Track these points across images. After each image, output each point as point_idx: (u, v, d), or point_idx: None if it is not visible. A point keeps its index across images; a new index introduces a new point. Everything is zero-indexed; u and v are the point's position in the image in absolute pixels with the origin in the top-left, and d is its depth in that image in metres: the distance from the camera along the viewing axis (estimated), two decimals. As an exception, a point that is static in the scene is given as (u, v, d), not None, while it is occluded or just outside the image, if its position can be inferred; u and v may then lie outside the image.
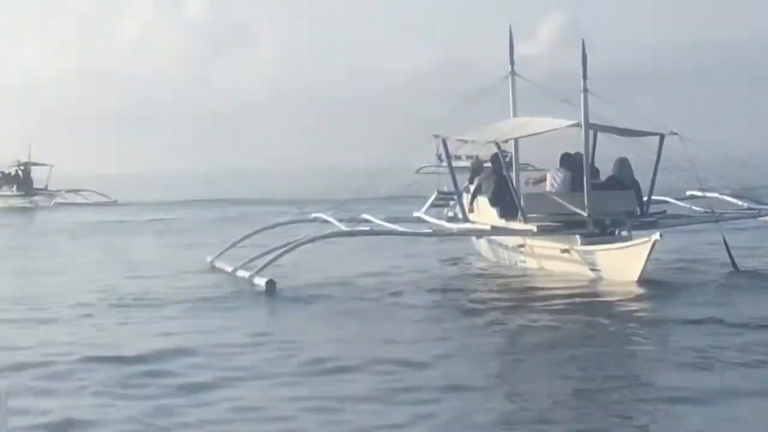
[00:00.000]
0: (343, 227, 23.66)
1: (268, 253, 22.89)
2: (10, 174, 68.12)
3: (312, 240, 22.73)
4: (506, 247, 24.55)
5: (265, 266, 21.78)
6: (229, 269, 23.57)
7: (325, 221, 25.17)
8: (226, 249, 25.86)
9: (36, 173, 68.48)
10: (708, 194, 24.99)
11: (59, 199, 67.91)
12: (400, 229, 23.51)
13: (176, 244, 34.09)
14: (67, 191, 69.44)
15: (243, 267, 22.92)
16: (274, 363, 13.88)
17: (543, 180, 23.90)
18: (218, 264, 24.92)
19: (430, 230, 24.29)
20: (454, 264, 25.99)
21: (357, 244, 25.57)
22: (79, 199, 69.03)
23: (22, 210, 63.30)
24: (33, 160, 67.98)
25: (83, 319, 18.09)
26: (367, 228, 23.64)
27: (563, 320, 17.27)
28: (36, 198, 67.28)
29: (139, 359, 14.20)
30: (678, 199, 26.10)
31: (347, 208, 26.08)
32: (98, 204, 66.46)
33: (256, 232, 26.73)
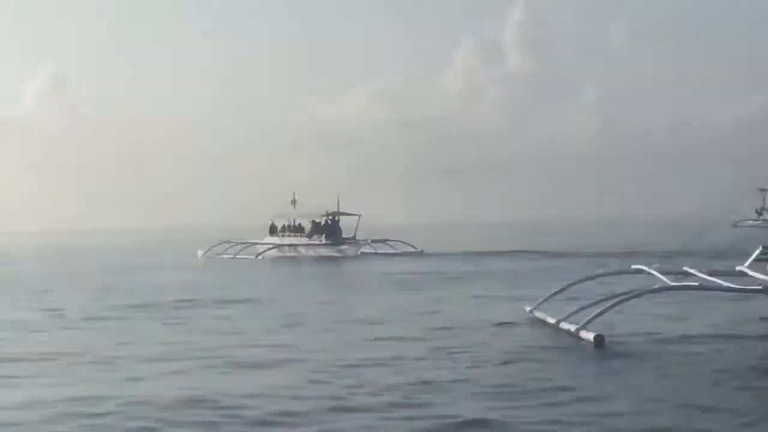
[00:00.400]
0: (667, 281, 23.28)
1: (593, 305, 22.63)
2: (319, 224, 70.11)
3: (639, 294, 22.34)
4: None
5: (592, 319, 21.50)
6: (552, 321, 23.49)
7: (646, 273, 24.91)
8: (546, 299, 25.85)
9: (345, 223, 70.16)
10: None
11: (365, 249, 69.86)
12: (728, 284, 22.83)
13: (487, 295, 34.25)
14: (374, 241, 70.94)
15: (566, 319, 22.78)
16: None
17: None
18: (538, 314, 24.91)
19: (760, 286, 23.55)
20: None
21: (674, 298, 25.10)
22: (386, 249, 70.74)
23: (330, 259, 65.01)
24: (342, 209, 69.53)
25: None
26: (696, 283, 23.06)
27: None
28: (343, 247, 68.76)
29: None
30: None
31: (667, 261, 25.67)
32: (404, 254, 68.08)
33: (576, 283, 26.55)
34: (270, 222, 72.80)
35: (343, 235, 69.74)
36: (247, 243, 72.32)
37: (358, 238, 69.97)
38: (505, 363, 18.61)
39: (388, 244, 71.71)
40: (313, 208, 70.59)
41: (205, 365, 18.83)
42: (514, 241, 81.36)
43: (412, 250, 70.21)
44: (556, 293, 26.18)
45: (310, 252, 69.08)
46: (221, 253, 70.75)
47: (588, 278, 26.87)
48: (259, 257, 67.86)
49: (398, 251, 69.83)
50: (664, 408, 14.38)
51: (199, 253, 73.19)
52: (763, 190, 22.12)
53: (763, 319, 25.09)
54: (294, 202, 70.72)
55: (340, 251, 68.32)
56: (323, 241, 69.40)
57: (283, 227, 71.74)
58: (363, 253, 68.37)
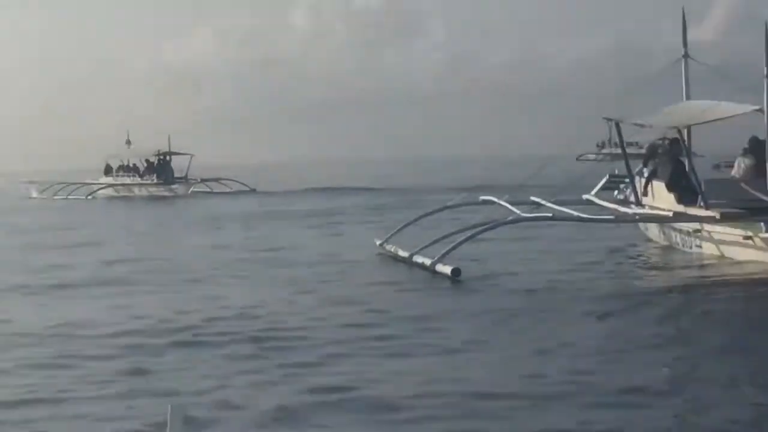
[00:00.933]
0: (518, 211, 23.26)
1: (446, 238, 22.40)
2: (152, 164, 69.61)
3: (494, 226, 22.24)
4: (680, 231, 23.95)
5: (447, 252, 21.16)
6: (405, 254, 23.09)
7: (496, 205, 24.96)
8: (396, 232, 25.48)
9: (178, 163, 69.71)
10: None
11: (200, 188, 69.25)
12: (583, 215, 22.91)
13: (336, 231, 33.94)
14: (206, 180, 70.31)
15: (420, 252, 22.35)
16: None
17: (730, 166, 23.25)
18: (389, 248, 24.58)
19: (612, 216, 23.77)
20: (625, 249, 25.38)
21: (526, 229, 25.15)
22: (221, 188, 70.13)
23: (161, 199, 64.70)
24: (180, 150, 69.26)
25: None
26: (550, 214, 23.11)
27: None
28: (174, 186, 68.49)
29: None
30: None
31: (515, 194, 25.71)
32: (236, 192, 67.77)
33: (426, 215, 26.45)
34: (105, 163, 72.18)
35: (176, 175, 69.23)
36: (81, 183, 71.72)
37: (190, 177, 69.43)
38: (359, 299, 17.97)
39: (222, 183, 71.14)
40: (148, 148, 70.15)
41: None
42: (360, 179, 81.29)
43: (245, 188, 69.77)
44: (406, 226, 25.86)
45: (143, 191, 68.66)
46: (55, 194, 69.86)
47: (438, 210, 26.81)
48: (89, 197, 67.37)
49: (233, 190, 69.45)
50: (526, 338, 14.25)
51: (33, 194, 71.96)
52: (608, 119, 22.37)
53: (613, 246, 25.39)
54: (128, 142, 70.49)
55: (171, 190, 68.14)
56: (155, 181, 69.00)
57: (118, 167, 71.21)
58: (194, 192, 67.88)
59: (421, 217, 26.44)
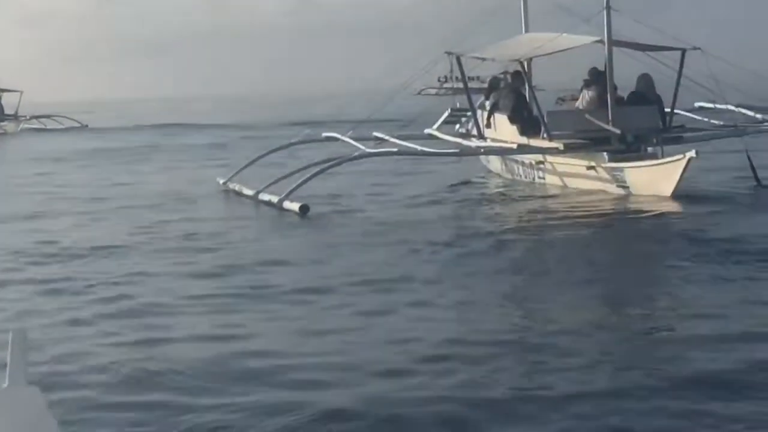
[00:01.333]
0: (362, 147, 23.13)
1: (291, 175, 22.22)
2: None
3: (339, 162, 22.03)
4: (523, 164, 24.14)
5: (294, 189, 20.88)
6: (250, 192, 22.78)
7: (339, 141, 24.81)
8: (239, 171, 25.12)
9: (8, 100, 67.48)
10: (719, 106, 24.73)
11: (26, 125, 67.28)
12: (427, 149, 22.89)
13: (171, 167, 33.29)
14: (37, 117, 68.63)
15: (265, 190, 22.08)
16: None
17: (576, 98, 23.42)
18: (233, 186, 24.24)
19: (457, 149, 23.76)
20: (469, 182, 25.48)
21: (370, 164, 25.05)
22: (53, 125, 68.44)
23: None
24: (2, 86, 66.91)
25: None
26: (395, 149, 23.04)
27: (599, 237, 17.10)
28: (2, 123, 66.62)
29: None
30: (687, 111, 25.53)
31: (357, 130, 25.55)
32: (68, 129, 66.50)
33: (269, 153, 26.13)
34: None
35: (6, 112, 67.29)
36: None
37: (20, 114, 67.58)
38: (204, 239, 17.53)
39: (54, 120, 69.61)
40: None
41: None
42: (199, 115, 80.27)
43: (77, 125, 68.48)
44: (249, 164, 25.50)
45: None
46: None
47: (281, 148, 26.53)
48: None
49: (64, 126, 68.02)
50: (370, 269, 14.24)
51: None
52: (449, 53, 22.25)
53: (456, 179, 25.49)
54: None
55: (0, 128, 66.15)
56: None
57: None
58: (24, 129, 66.17)
59: (264, 155, 26.06)
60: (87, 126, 68.14)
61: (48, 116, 69.67)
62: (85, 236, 18.03)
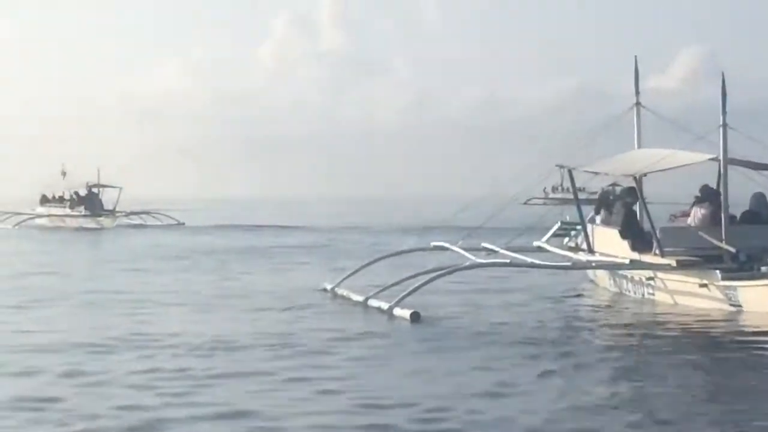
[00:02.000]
0: (472, 257, 23.40)
1: (401, 283, 22.60)
2: (81, 195, 70.08)
3: (451, 271, 22.42)
4: (632, 279, 24.16)
5: (405, 296, 21.21)
6: (359, 298, 23.07)
7: (448, 250, 25.11)
8: (347, 276, 25.48)
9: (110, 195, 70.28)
10: None
11: (130, 220, 69.83)
12: (538, 262, 23.06)
13: (280, 269, 33.70)
14: (135, 213, 71.11)
15: (375, 297, 22.43)
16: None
17: (686, 215, 23.51)
18: (341, 292, 24.56)
19: (569, 263, 23.94)
20: (578, 295, 25.52)
21: (479, 275, 25.30)
22: (152, 221, 70.56)
23: (87, 230, 65.09)
24: (104, 182, 69.73)
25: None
26: (506, 260, 23.25)
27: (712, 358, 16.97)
28: (100, 219, 68.69)
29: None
30: None
31: (466, 238, 25.88)
32: (163, 226, 68.25)
33: (378, 260, 26.54)
34: (40, 193, 72.67)
35: (107, 207, 69.53)
36: (13, 213, 72.26)
37: (119, 210, 69.65)
38: (318, 349, 17.47)
39: (153, 216, 71.59)
40: (81, 180, 70.45)
41: None
42: (304, 217, 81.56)
43: (174, 222, 70.16)
44: (358, 270, 25.92)
45: (72, 223, 68.80)
46: None
47: (390, 255, 26.92)
48: (16, 227, 67.99)
49: (163, 223, 69.81)
50: (483, 381, 14.37)
51: None
52: (560, 167, 22.60)
53: (562, 293, 25.54)
54: (63, 173, 71.01)
55: (97, 222, 68.40)
56: (83, 212, 69.31)
57: (52, 198, 71.82)
58: (119, 225, 67.98)
59: (372, 262, 26.58)
60: (183, 224, 69.76)
61: (146, 212, 71.90)
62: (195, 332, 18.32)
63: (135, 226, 67.91)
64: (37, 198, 72.78)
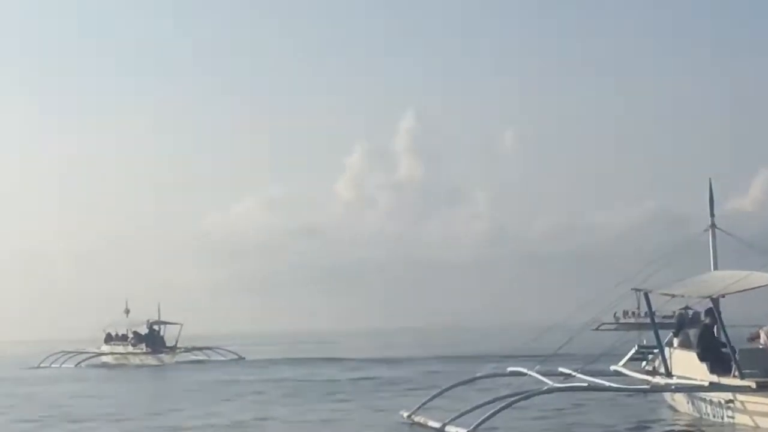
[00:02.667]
0: (549, 382, 23.46)
1: (478, 408, 22.52)
2: (142, 333, 71.28)
3: (528, 396, 22.45)
4: (711, 402, 24.03)
5: (483, 421, 21.35)
6: (436, 425, 23.13)
7: (524, 375, 25.18)
8: (424, 403, 25.53)
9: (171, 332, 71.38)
10: None
11: (193, 356, 70.47)
12: (616, 385, 23.12)
13: (353, 400, 33.77)
14: (196, 348, 71.64)
15: (452, 423, 22.44)
16: None
17: (757, 337, 23.53)
18: (418, 419, 24.66)
19: (647, 385, 23.92)
20: (656, 420, 25.42)
21: (558, 400, 25.31)
22: (216, 356, 70.92)
23: (149, 368, 65.79)
24: (168, 318, 70.94)
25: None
26: (583, 383, 23.34)
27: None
28: (161, 355, 69.80)
29: None
30: None
31: (543, 363, 25.95)
32: (223, 361, 68.47)
33: (455, 386, 26.60)
34: (103, 332, 73.73)
35: (168, 344, 70.61)
36: (77, 352, 73.36)
37: (179, 346, 70.67)
38: None
39: (217, 352, 72.16)
40: (142, 318, 71.40)
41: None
42: (393, 346, 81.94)
43: (234, 357, 70.75)
44: (435, 396, 26.01)
45: (135, 360, 70.14)
46: (53, 363, 71.12)
47: (466, 381, 27.02)
48: (80, 365, 69.86)
49: (225, 358, 70.34)
50: None
51: (36, 363, 72.00)
52: (636, 290, 22.91)
53: (642, 418, 25.46)
54: (127, 311, 72.13)
55: (158, 359, 69.38)
56: (144, 350, 70.43)
57: (115, 336, 73.17)
58: (180, 362, 68.69)
59: (448, 388, 26.66)
60: (244, 358, 70.34)
61: (207, 348, 72.36)
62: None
63: (196, 362, 68.30)
64: (101, 336, 73.86)
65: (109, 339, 73.56)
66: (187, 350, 70.97)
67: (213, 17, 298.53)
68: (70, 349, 74.01)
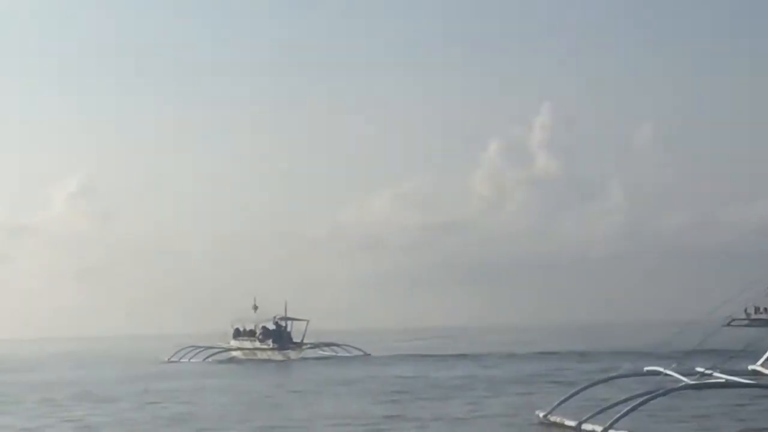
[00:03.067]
0: (685, 380, 23.45)
1: (613, 406, 22.61)
2: (269, 329, 72.68)
3: (664, 393, 22.49)
4: None
5: (617, 420, 21.44)
6: (572, 423, 23.35)
7: (660, 373, 25.16)
8: (561, 402, 25.60)
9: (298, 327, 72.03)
10: None
11: (318, 352, 71.79)
12: (759, 382, 23.03)
13: (491, 396, 34.01)
14: (322, 344, 72.91)
15: (588, 421, 22.62)
16: None
17: None
18: (554, 418, 24.85)
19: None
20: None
21: (693, 398, 25.24)
22: (342, 352, 72.39)
23: (274, 363, 67.80)
24: (291, 315, 71.60)
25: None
26: (721, 380, 23.31)
27: None
28: (287, 351, 71.18)
29: None
30: None
31: (679, 361, 25.83)
32: (348, 357, 70.10)
33: (590, 386, 26.59)
34: (232, 327, 75.21)
35: (294, 340, 71.73)
36: (206, 347, 75.76)
37: (306, 342, 71.75)
38: None
39: (343, 348, 73.28)
40: (270, 314, 72.65)
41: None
42: (528, 342, 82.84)
43: (359, 353, 72.04)
44: (571, 396, 25.99)
45: (262, 355, 71.87)
46: (182, 358, 74.57)
47: (601, 381, 26.99)
48: (208, 360, 72.84)
49: (351, 354, 71.78)
50: None
51: (166, 358, 75.37)
52: (773, 288, 22.91)
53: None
54: (255, 307, 73.06)
55: (284, 355, 70.87)
56: (270, 345, 71.82)
57: (243, 331, 74.57)
58: (305, 357, 70.15)
59: (584, 388, 26.57)
60: (369, 354, 71.43)
61: (334, 344, 73.60)
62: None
63: (321, 358, 69.50)
64: (230, 331, 75.38)
65: (237, 334, 75.06)
66: (314, 346, 72.11)
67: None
68: (200, 344, 76.29)
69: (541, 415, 25.67)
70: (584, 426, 22.70)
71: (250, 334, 73.96)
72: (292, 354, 70.88)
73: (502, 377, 45.32)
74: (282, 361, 69.27)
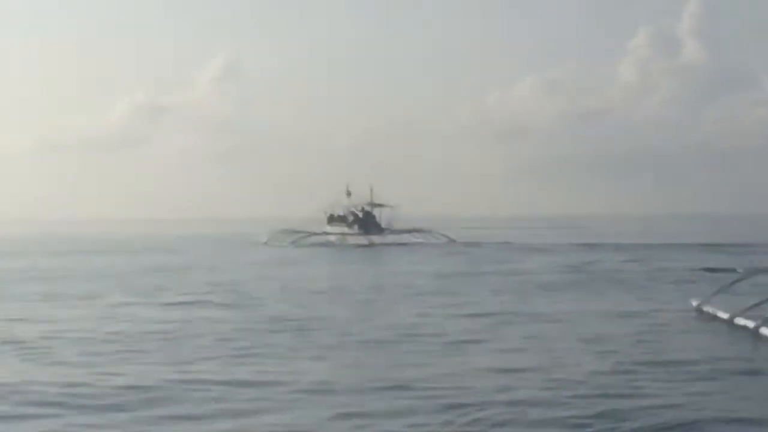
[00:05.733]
0: None
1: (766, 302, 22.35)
2: (357, 215, 77.09)
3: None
4: None
5: None
6: (725, 316, 23.30)
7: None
8: (715, 293, 25.51)
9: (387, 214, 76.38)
10: None
11: (408, 238, 74.96)
12: None
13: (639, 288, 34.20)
14: (411, 230, 76.09)
15: (742, 315, 22.47)
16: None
17: None
18: (707, 309, 24.79)
19: None
20: None
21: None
22: (430, 239, 75.45)
23: (360, 248, 70.21)
24: (378, 201, 76.39)
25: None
26: None
27: None
28: (372, 237, 74.59)
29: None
30: None
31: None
32: (432, 244, 73.19)
33: (745, 277, 26.61)
34: (325, 213, 78.98)
35: (384, 225, 76.09)
36: (304, 231, 79.01)
37: (393, 227, 75.69)
38: (692, 366, 17.57)
39: (433, 235, 76.34)
40: (361, 200, 77.28)
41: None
42: (671, 234, 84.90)
43: (445, 240, 75.00)
44: (726, 287, 25.85)
45: (351, 240, 75.17)
46: (279, 241, 78.30)
47: (755, 273, 27.00)
48: (291, 244, 75.75)
49: (440, 241, 74.77)
50: None
51: (263, 239, 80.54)
52: None
53: None
54: (348, 193, 77.64)
55: (368, 239, 74.24)
56: (357, 231, 75.73)
57: (334, 217, 78.39)
58: (386, 243, 73.10)
59: (741, 279, 26.60)
60: (455, 241, 74.17)
61: (418, 230, 76.62)
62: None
63: (404, 244, 72.23)
64: (323, 217, 78.76)
65: (331, 219, 78.47)
66: (398, 232, 75.10)
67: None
68: (298, 228, 79.63)
69: (695, 304, 25.65)
70: (737, 320, 22.58)
71: (341, 219, 77.58)
72: (375, 239, 74.03)
73: (648, 266, 45.88)
74: (365, 245, 72.02)
